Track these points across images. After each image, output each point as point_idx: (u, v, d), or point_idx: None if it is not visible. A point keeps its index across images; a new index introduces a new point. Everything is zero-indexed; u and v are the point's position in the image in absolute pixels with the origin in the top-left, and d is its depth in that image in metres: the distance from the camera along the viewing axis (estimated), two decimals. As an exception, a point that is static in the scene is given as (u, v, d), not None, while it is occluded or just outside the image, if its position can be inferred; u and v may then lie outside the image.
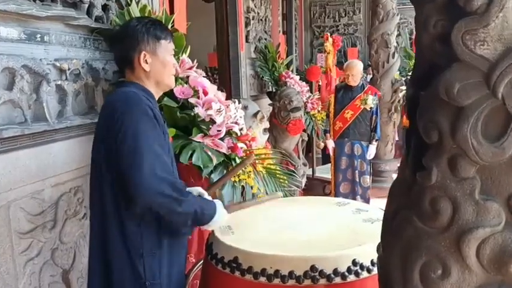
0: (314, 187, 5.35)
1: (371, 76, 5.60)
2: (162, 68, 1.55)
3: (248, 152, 2.10)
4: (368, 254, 1.36)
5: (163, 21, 2.07)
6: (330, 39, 4.28)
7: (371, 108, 4.31)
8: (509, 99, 0.75)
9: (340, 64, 5.14)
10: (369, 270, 1.36)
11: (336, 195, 4.59)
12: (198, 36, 6.25)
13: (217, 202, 1.56)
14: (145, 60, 1.52)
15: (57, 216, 1.86)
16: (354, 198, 4.51)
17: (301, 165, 4.23)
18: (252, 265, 1.39)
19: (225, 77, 4.45)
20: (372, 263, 1.36)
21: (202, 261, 1.67)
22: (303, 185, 4.32)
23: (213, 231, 1.60)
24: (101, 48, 2.13)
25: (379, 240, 1.00)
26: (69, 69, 1.86)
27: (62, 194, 1.90)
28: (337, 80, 5.06)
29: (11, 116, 1.62)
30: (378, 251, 1.03)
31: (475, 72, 0.78)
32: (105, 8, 2.15)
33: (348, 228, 1.57)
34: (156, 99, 1.61)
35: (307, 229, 1.58)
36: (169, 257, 1.49)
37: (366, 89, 4.37)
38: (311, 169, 5.51)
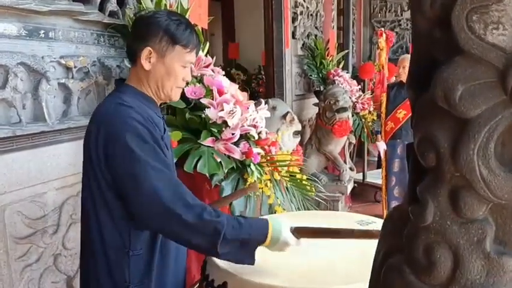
0: (364, 193, 5.01)
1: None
2: (166, 75, 1.34)
3: (253, 182, 1.84)
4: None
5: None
6: (384, 35, 3.96)
7: None
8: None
9: (396, 61, 4.77)
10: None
11: (388, 201, 4.28)
12: (253, 34, 6.14)
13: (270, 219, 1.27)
14: (149, 58, 1.32)
15: (61, 221, 1.78)
16: None
17: (347, 169, 3.94)
18: (241, 294, 1.20)
19: (269, 76, 4.28)
20: (383, 303, 1.11)
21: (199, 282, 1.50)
22: (348, 191, 4.03)
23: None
24: (116, 45, 2.03)
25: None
26: (75, 67, 1.77)
27: (68, 198, 1.82)
28: (392, 79, 4.68)
29: (6, 116, 1.55)
30: (368, 300, 0.81)
31: (486, 68, 0.54)
32: (122, 2, 2.04)
33: (362, 256, 1.32)
34: (159, 102, 1.41)
35: (314, 253, 1.35)
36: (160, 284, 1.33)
37: None
38: (361, 174, 5.17)
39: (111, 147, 1.22)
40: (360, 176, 5.12)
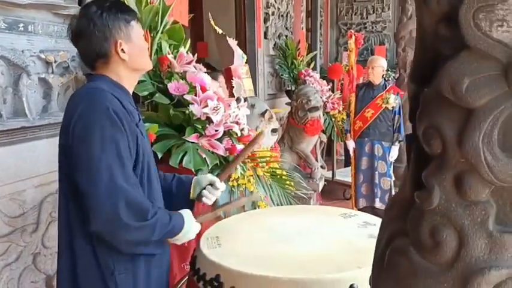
0: (334, 191, 5.12)
1: (398, 75, 5.35)
2: (139, 53, 1.37)
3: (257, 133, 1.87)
4: (369, 278, 1.16)
5: (160, 12, 1.94)
6: (353, 37, 4.08)
7: (393, 107, 4.12)
8: (537, 99, 0.55)
9: (364, 63, 4.92)
10: (368, 298, 1.16)
11: (356, 198, 4.39)
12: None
13: (185, 212, 1.38)
14: (122, 49, 1.31)
15: (40, 219, 1.74)
16: (373, 201, 4.31)
17: (318, 167, 4.02)
18: (235, 286, 1.22)
19: (241, 75, 4.30)
20: (373, 290, 1.16)
21: (187, 277, 1.51)
22: (320, 188, 4.11)
23: (198, 242, 1.45)
24: (96, 41, 2.00)
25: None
26: (55, 61, 1.74)
27: (47, 195, 1.78)
28: (360, 79, 4.82)
29: (-14, 111, 1.51)
30: (370, 283, 0.85)
31: (491, 63, 0.58)
32: (101, -3, 2.01)
33: (350, 246, 1.37)
34: (133, 87, 1.42)
35: (302, 244, 1.39)
36: (146, 273, 1.33)
37: (388, 87, 4.20)
38: (331, 172, 5.28)
39: (78, 126, 1.22)
40: (329, 174, 5.23)
